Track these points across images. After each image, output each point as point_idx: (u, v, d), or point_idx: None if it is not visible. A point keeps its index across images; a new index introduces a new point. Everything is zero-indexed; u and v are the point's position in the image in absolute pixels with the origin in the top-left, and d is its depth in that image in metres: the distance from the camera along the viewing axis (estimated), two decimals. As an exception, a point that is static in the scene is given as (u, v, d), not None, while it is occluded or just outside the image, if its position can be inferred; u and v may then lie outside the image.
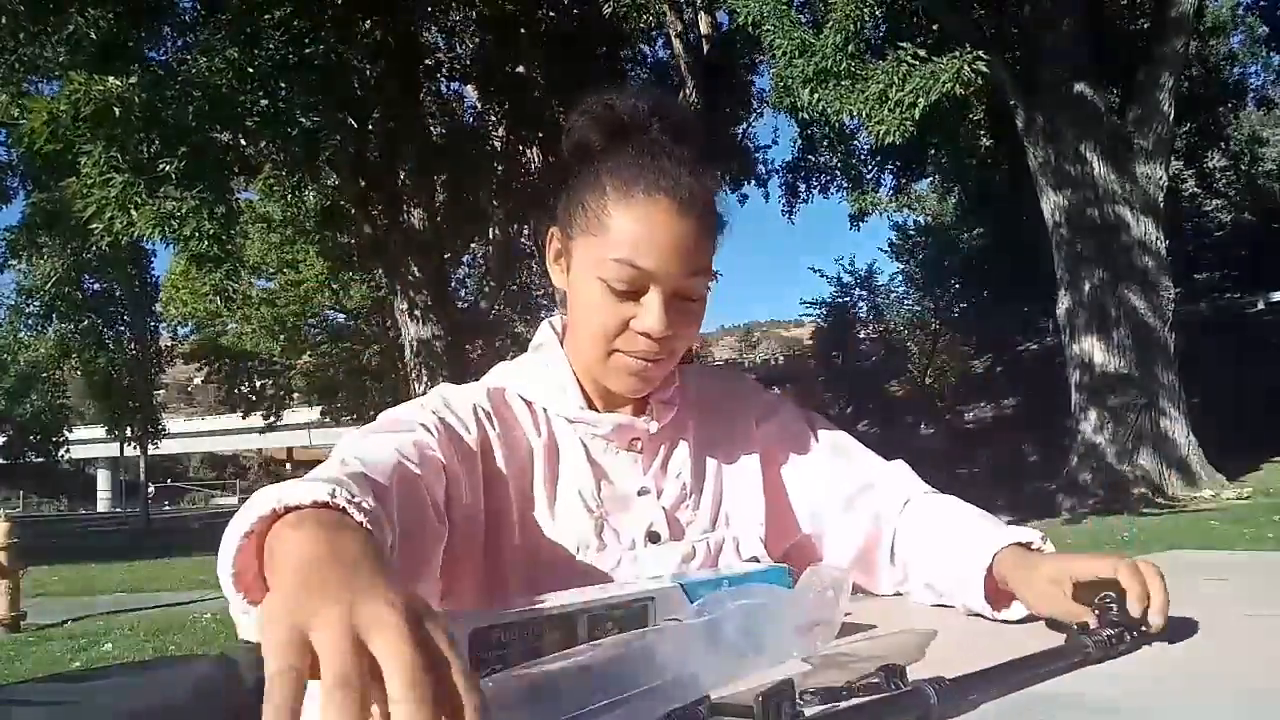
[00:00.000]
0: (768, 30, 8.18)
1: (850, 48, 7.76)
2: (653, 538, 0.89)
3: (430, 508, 0.75)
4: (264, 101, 8.12)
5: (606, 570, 0.86)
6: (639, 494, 0.92)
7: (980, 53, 7.62)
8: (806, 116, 8.55)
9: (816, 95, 7.89)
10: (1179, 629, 0.74)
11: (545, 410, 0.93)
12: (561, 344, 0.96)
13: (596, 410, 0.93)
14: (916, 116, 7.49)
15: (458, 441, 0.84)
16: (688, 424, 0.98)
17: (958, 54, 7.61)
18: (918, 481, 1.02)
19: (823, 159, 15.58)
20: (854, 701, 0.55)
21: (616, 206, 0.83)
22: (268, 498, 0.53)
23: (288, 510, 0.53)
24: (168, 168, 7.23)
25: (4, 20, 7.30)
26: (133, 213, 7.07)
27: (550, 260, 0.92)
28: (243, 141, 8.36)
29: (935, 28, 12.57)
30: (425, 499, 0.74)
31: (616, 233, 0.83)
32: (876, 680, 0.58)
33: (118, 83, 6.88)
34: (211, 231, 7.36)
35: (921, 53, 7.77)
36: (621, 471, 0.92)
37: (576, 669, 0.54)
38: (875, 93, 7.54)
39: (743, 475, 0.98)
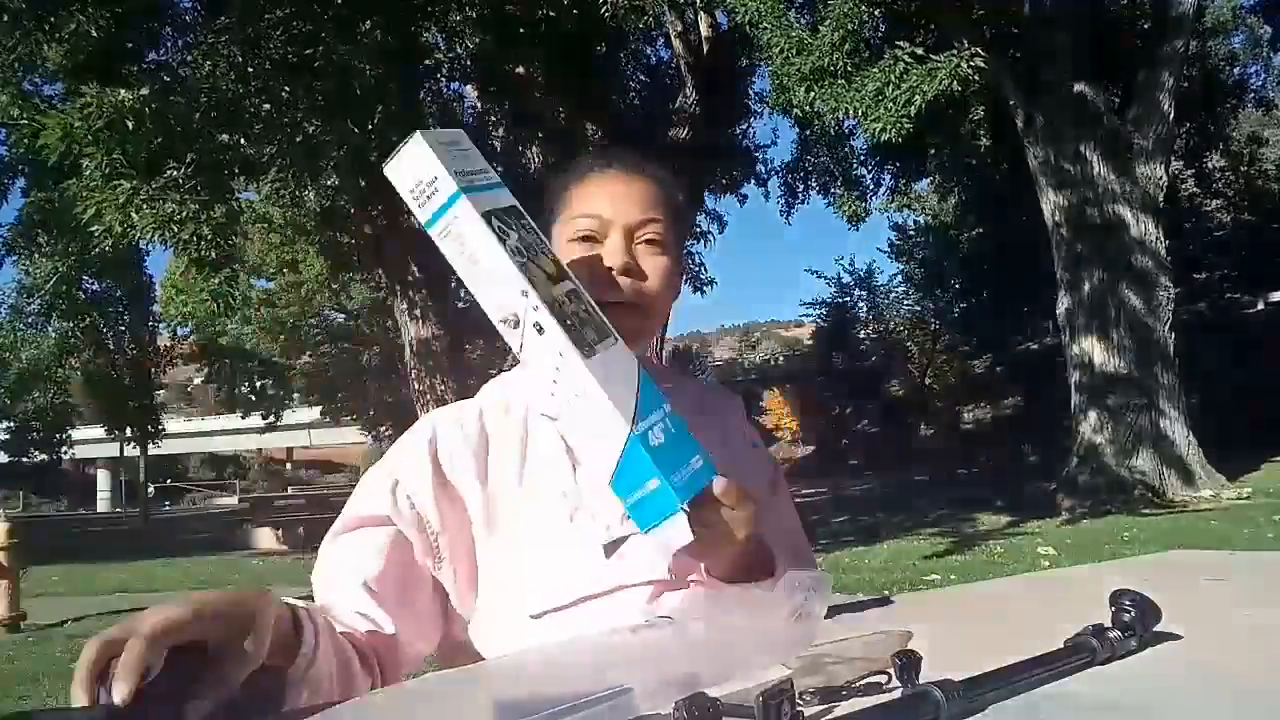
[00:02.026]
0: (764, 29, 8.18)
1: (847, 46, 7.75)
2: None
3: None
4: (266, 105, 8.10)
5: (581, 552, 0.89)
6: None
7: (978, 49, 7.62)
8: (801, 115, 8.54)
9: (813, 94, 7.89)
10: (1180, 629, 0.74)
11: (526, 408, 0.97)
12: None
13: None
14: (913, 114, 7.49)
15: (422, 503, 0.90)
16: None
17: (955, 51, 7.61)
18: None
19: (821, 160, 15.57)
20: (861, 704, 0.55)
21: (578, 185, 0.97)
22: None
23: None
24: (175, 173, 7.20)
25: (4, 19, 7.28)
26: (133, 216, 7.05)
27: None
28: (243, 142, 8.33)
29: (934, 28, 12.57)
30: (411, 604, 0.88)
31: (575, 199, 0.96)
32: (878, 680, 0.59)
33: (129, 95, 6.87)
34: (209, 236, 7.32)
35: (919, 51, 7.75)
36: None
37: (568, 662, 0.54)
38: (872, 91, 7.54)
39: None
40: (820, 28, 8.02)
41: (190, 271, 8.06)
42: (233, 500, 35.17)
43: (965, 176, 19.48)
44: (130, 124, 6.81)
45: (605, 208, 0.93)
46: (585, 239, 0.93)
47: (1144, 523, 8.64)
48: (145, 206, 7.05)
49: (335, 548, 0.90)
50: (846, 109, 7.69)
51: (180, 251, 7.62)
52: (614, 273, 0.91)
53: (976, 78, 7.63)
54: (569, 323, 0.73)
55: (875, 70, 7.65)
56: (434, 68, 12.21)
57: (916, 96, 7.39)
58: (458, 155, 0.75)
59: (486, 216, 0.73)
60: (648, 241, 0.93)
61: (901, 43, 7.93)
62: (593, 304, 0.77)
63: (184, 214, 7.17)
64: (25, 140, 7.50)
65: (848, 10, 7.72)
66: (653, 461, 0.72)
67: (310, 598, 0.85)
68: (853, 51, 7.78)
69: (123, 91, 6.89)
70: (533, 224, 0.78)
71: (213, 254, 7.50)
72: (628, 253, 0.92)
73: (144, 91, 6.98)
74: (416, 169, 0.74)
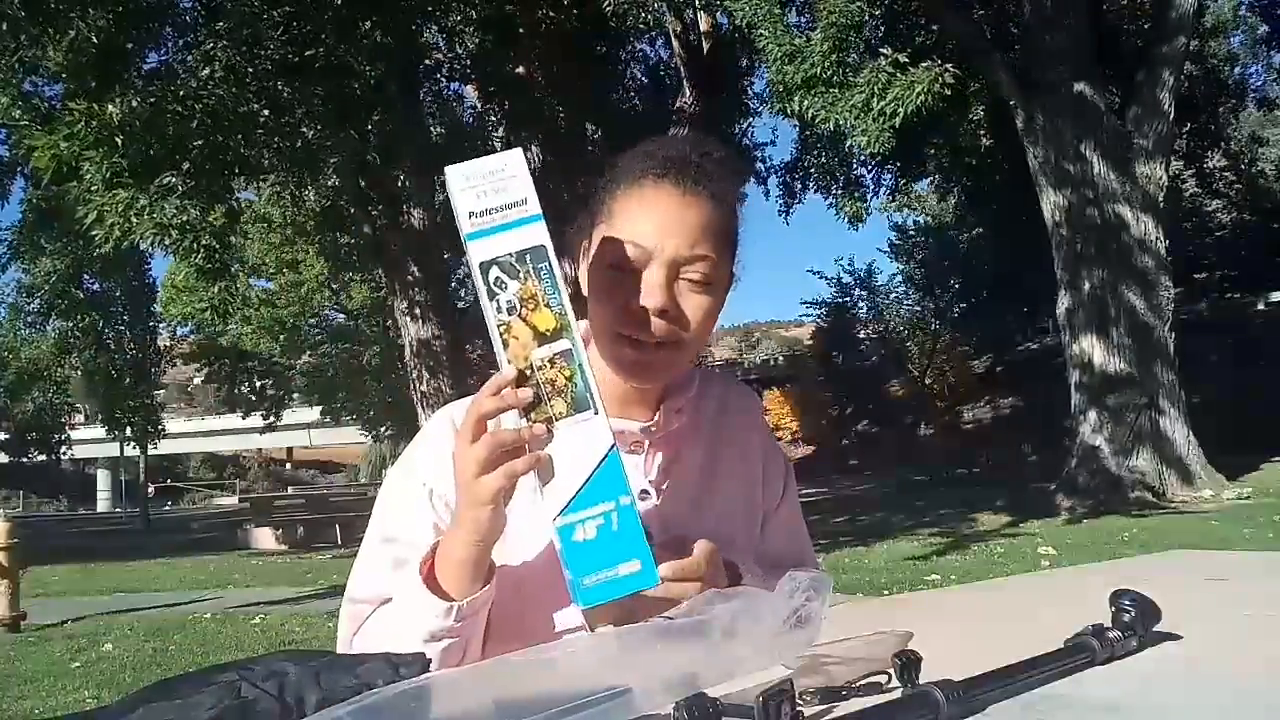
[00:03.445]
0: (761, 34, 8.18)
1: (835, 56, 7.74)
2: (646, 538, 0.90)
3: None
4: (265, 111, 8.09)
5: None
6: (639, 496, 0.90)
7: (949, 66, 7.64)
8: (796, 123, 8.57)
9: (806, 102, 7.90)
10: (1180, 629, 0.74)
11: None
12: None
13: None
14: (897, 125, 7.51)
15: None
16: (699, 433, 0.98)
17: (929, 65, 7.61)
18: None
19: (821, 160, 15.57)
20: (861, 703, 0.55)
21: (625, 193, 0.87)
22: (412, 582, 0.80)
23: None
24: (173, 179, 7.21)
25: (4, 25, 7.27)
26: (133, 220, 7.05)
27: (582, 272, 0.93)
28: (243, 143, 8.33)
29: (933, 27, 12.58)
30: None
31: (622, 215, 0.86)
32: (878, 680, 0.59)
33: (115, 110, 6.86)
34: (209, 244, 7.33)
35: (902, 58, 7.74)
36: None
37: (568, 662, 0.54)
38: (859, 102, 7.55)
39: (743, 494, 1.00)
40: (812, 34, 8.03)
41: (191, 276, 8.09)
42: (233, 500, 35.18)
43: (965, 176, 19.47)
44: (120, 140, 6.82)
45: (650, 235, 0.84)
46: (623, 270, 0.85)
47: (1144, 523, 8.64)
48: (145, 213, 7.05)
49: (392, 550, 0.88)
50: (836, 118, 7.70)
51: (180, 259, 7.63)
52: (650, 312, 0.83)
53: (949, 93, 7.64)
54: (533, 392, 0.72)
55: (861, 81, 7.67)
56: (434, 68, 12.22)
57: (900, 110, 7.42)
58: (488, 190, 0.73)
59: (485, 266, 0.72)
60: (691, 279, 0.85)
61: (885, 50, 7.94)
62: (586, 369, 0.73)
63: (183, 221, 7.17)
64: (22, 145, 7.52)
65: (835, 19, 7.72)
66: (567, 557, 0.73)
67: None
68: (841, 62, 7.78)
69: (110, 107, 6.88)
70: (554, 266, 0.73)
71: (212, 263, 7.50)
72: (668, 290, 0.84)
73: (134, 104, 6.97)
74: (452, 203, 0.74)
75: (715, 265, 0.86)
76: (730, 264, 0.91)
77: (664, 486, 0.93)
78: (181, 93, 7.47)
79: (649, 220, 0.85)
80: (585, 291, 0.92)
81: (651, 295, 0.83)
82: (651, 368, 0.87)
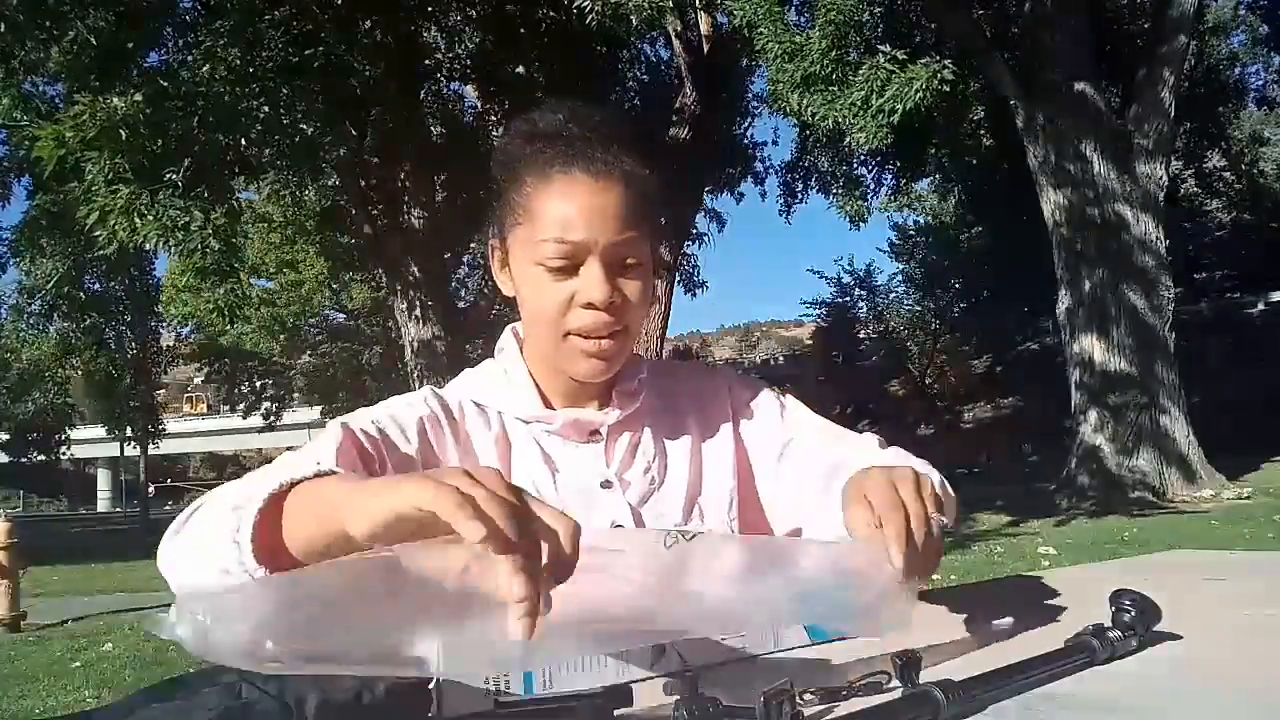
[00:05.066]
0: (761, 34, 8.18)
1: (835, 54, 7.74)
2: None
3: None
4: (265, 109, 8.09)
5: None
6: (602, 487, 0.91)
7: (948, 63, 7.64)
8: (796, 122, 8.55)
9: (805, 100, 7.90)
10: (1180, 629, 0.74)
11: (500, 414, 0.93)
12: (521, 349, 0.97)
13: (554, 409, 0.94)
14: (896, 123, 7.51)
15: (394, 450, 0.82)
16: (656, 415, 0.97)
17: (926, 62, 7.60)
18: (884, 452, 0.92)
19: (821, 160, 15.58)
20: (861, 703, 0.55)
21: (537, 191, 0.85)
22: (271, 478, 0.59)
23: (293, 485, 0.58)
24: (173, 176, 7.20)
25: (3, 27, 7.27)
26: (137, 221, 7.05)
27: (496, 271, 0.93)
28: (243, 143, 8.34)
29: (932, 25, 12.57)
30: None
31: (542, 215, 0.84)
32: (878, 680, 0.59)
33: (121, 103, 6.86)
34: (216, 247, 7.33)
35: (900, 55, 7.74)
36: (581, 466, 0.92)
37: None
38: (858, 99, 7.55)
39: (716, 467, 0.97)
40: (811, 32, 8.03)
41: (193, 277, 8.04)
42: (233, 500, 35.09)
43: (965, 176, 19.48)
44: (125, 132, 6.80)
45: (578, 230, 0.83)
46: (557, 270, 0.84)
47: (1144, 523, 8.64)
48: (149, 213, 7.05)
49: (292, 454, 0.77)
50: (834, 116, 7.70)
51: (185, 258, 7.61)
52: (598, 306, 0.84)
53: (948, 89, 7.64)
54: None
55: (859, 78, 7.67)
56: (434, 68, 12.22)
57: (898, 106, 7.42)
58: None
59: None
60: (626, 264, 0.85)
61: (884, 47, 7.93)
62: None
63: (188, 221, 7.16)
64: (25, 144, 7.53)
65: (832, 16, 7.71)
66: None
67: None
68: (840, 59, 7.77)
69: (115, 99, 6.87)
70: None
71: (220, 263, 7.50)
72: (609, 282, 0.83)
73: (138, 98, 6.97)
74: None
75: (642, 245, 0.86)
76: (657, 235, 0.91)
77: (626, 474, 0.93)
78: (183, 89, 7.48)
79: (572, 214, 0.83)
80: (509, 293, 0.91)
81: (596, 290, 0.83)
82: (607, 357, 0.87)
